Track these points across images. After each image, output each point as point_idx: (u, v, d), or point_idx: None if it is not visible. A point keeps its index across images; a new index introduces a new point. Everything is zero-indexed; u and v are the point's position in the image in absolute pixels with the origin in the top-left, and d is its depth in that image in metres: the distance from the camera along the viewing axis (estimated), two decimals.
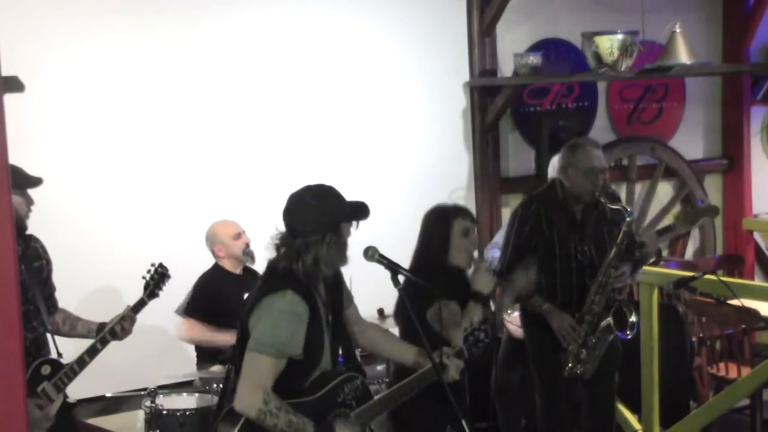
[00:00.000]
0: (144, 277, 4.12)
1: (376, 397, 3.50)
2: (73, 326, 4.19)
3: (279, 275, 3.26)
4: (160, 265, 4.16)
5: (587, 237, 4.51)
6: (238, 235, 5.19)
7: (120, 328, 4.01)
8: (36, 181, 4.00)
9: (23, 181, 3.92)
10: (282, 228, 3.30)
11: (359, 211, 3.33)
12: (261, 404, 3.10)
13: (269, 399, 3.11)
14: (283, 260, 3.27)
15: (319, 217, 3.25)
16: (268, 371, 3.14)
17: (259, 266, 3.48)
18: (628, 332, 4.45)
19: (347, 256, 3.35)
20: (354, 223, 3.35)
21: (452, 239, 4.16)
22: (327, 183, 3.38)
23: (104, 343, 3.98)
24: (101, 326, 4.07)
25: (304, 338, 3.21)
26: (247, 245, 5.20)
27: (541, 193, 4.67)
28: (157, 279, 4.12)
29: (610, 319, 4.43)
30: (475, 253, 4.24)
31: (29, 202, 3.99)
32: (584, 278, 4.48)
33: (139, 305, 4.09)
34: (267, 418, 3.10)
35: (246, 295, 3.77)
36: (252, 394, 3.11)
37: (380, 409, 3.49)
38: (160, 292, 4.14)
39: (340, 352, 3.55)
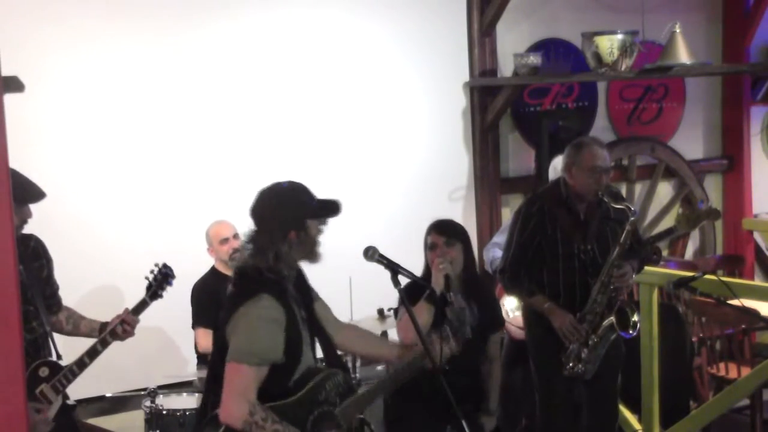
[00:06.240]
0: (147, 278, 4.04)
1: (359, 392, 3.45)
2: (76, 325, 4.11)
3: (249, 278, 3.18)
4: (164, 265, 4.05)
5: (590, 236, 4.50)
6: (225, 240, 5.12)
7: (121, 329, 3.93)
8: (37, 195, 3.80)
9: (24, 196, 3.73)
10: (252, 226, 3.24)
11: (327, 208, 3.26)
12: (246, 416, 3.04)
13: (255, 410, 3.05)
14: (249, 260, 3.20)
15: (283, 213, 3.19)
16: (251, 381, 3.07)
17: None
18: (630, 331, 4.46)
19: (318, 253, 3.27)
20: (323, 220, 3.27)
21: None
22: (298, 179, 3.32)
23: (105, 344, 3.90)
24: (103, 326, 3.99)
25: (284, 342, 3.14)
26: (236, 251, 5.12)
27: (546, 191, 4.69)
28: (160, 279, 4.02)
29: (612, 318, 4.43)
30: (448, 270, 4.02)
31: (25, 215, 3.80)
32: (587, 277, 4.48)
33: (141, 306, 3.99)
34: (253, 429, 3.04)
35: None
36: (237, 406, 3.04)
37: (365, 402, 3.44)
38: (164, 293, 4.08)
39: (318, 345, 3.47)
